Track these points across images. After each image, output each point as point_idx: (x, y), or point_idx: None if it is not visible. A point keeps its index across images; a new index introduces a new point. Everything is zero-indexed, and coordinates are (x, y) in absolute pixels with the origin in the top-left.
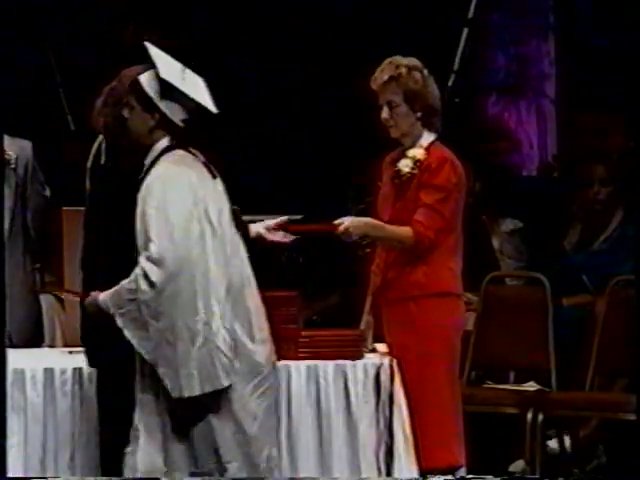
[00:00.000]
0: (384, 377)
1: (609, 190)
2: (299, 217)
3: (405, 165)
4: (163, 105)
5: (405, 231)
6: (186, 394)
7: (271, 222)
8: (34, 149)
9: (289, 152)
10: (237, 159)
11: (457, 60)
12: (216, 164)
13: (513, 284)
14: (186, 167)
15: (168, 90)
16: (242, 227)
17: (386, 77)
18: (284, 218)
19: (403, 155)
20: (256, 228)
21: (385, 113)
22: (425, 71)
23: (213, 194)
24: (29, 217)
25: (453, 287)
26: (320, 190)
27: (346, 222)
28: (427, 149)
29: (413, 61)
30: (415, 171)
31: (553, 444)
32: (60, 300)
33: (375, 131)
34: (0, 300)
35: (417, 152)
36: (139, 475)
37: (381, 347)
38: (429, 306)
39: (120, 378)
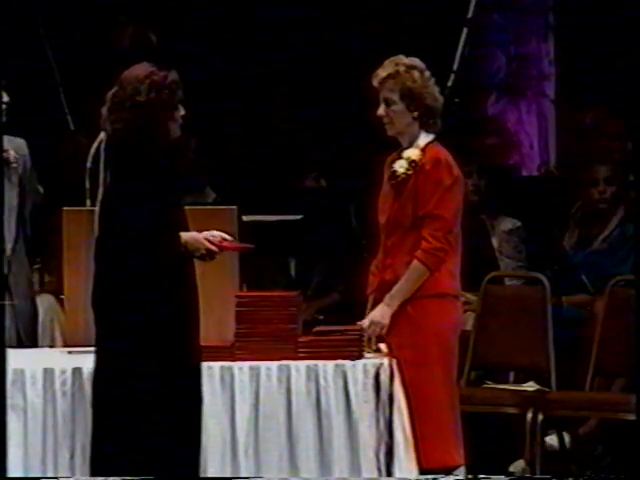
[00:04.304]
0: (384, 377)
1: (613, 189)
2: (299, 217)
3: (400, 166)
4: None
5: (414, 269)
6: None
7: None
8: (30, 148)
9: (290, 152)
10: (238, 160)
11: (457, 60)
12: (218, 165)
13: (512, 284)
14: None
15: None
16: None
17: (385, 74)
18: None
19: (400, 156)
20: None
21: (381, 110)
22: (426, 72)
23: None
24: (27, 215)
25: (450, 288)
26: (320, 192)
27: (366, 321)
28: (423, 150)
29: (415, 61)
30: (410, 172)
31: (552, 440)
32: (60, 300)
33: (381, 137)
34: (0, 300)
35: (412, 153)
36: None
37: (383, 347)
38: (426, 307)
39: (119, 377)
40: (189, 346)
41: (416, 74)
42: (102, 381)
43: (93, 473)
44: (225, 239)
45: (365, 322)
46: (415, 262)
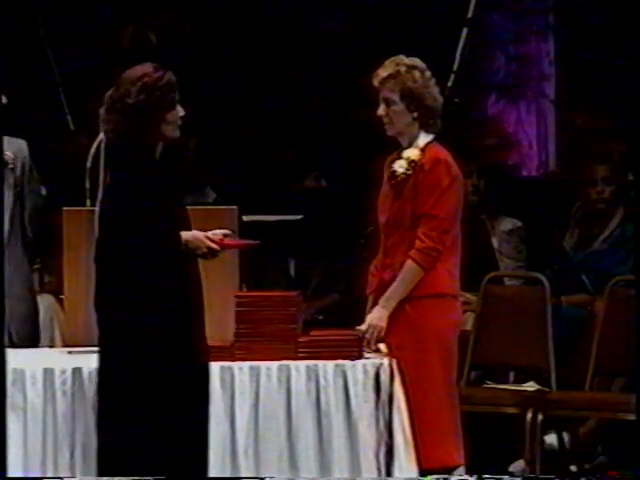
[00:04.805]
0: (384, 377)
1: (612, 189)
2: (299, 217)
3: (400, 166)
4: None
5: (408, 269)
6: None
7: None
8: (30, 148)
9: (290, 152)
10: (238, 160)
11: (457, 60)
12: (218, 165)
13: (512, 284)
14: None
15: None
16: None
17: (385, 74)
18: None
19: (400, 156)
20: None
21: (381, 110)
22: (427, 72)
23: None
24: (27, 217)
25: (449, 288)
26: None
27: (364, 325)
28: (423, 150)
29: (415, 61)
30: (409, 172)
31: (551, 439)
32: (60, 300)
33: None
34: (0, 300)
35: (412, 153)
36: None
37: (383, 347)
38: (425, 307)
39: (124, 376)
40: (195, 345)
41: (417, 74)
42: (107, 382)
43: (100, 473)
44: (227, 236)
45: (363, 326)
46: (409, 262)
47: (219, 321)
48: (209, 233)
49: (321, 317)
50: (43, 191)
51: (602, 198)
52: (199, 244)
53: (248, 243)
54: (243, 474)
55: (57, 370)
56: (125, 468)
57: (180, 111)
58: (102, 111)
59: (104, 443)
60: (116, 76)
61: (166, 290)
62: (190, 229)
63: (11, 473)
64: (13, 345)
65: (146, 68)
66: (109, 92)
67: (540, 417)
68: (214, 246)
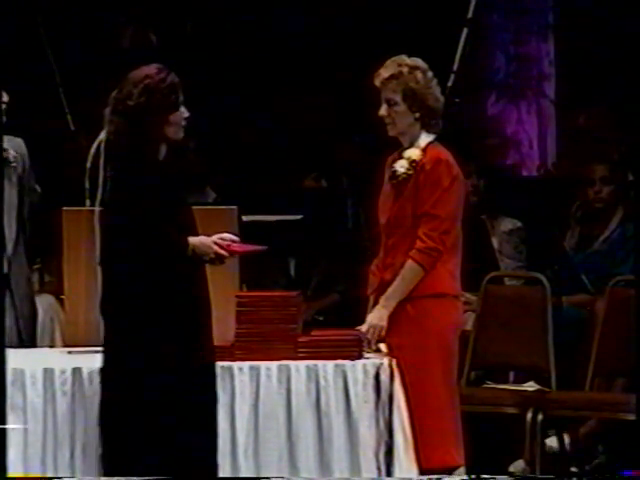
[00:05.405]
0: (384, 377)
1: (610, 189)
2: (299, 217)
3: (401, 166)
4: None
5: (408, 269)
6: None
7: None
8: (30, 148)
9: (290, 152)
10: (238, 160)
11: (457, 60)
12: (218, 165)
13: (513, 284)
14: None
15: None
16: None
17: (387, 75)
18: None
19: (401, 156)
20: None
21: (383, 110)
22: (429, 73)
23: None
24: (26, 214)
25: (450, 288)
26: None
27: (365, 325)
28: (424, 150)
29: (417, 61)
30: (410, 172)
31: (552, 442)
32: (60, 300)
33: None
34: (0, 300)
35: (413, 153)
36: None
37: (383, 347)
38: (426, 307)
39: (131, 378)
40: (202, 346)
41: (419, 75)
42: (113, 384)
43: (107, 472)
44: (234, 241)
45: (364, 327)
46: (409, 262)
47: (219, 321)
48: (215, 237)
49: (321, 317)
50: (38, 189)
51: (600, 198)
52: (207, 250)
53: (255, 249)
54: (243, 474)
55: (57, 370)
56: (132, 469)
57: (184, 112)
58: (106, 112)
59: (109, 445)
60: (117, 76)
61: (173, 292)
62: (196, 230)
63: (11, 473)
64: (22, 342)
65: (150, 70)
66: (113, 93)
67: (540, 417)
68: (222, 252)
